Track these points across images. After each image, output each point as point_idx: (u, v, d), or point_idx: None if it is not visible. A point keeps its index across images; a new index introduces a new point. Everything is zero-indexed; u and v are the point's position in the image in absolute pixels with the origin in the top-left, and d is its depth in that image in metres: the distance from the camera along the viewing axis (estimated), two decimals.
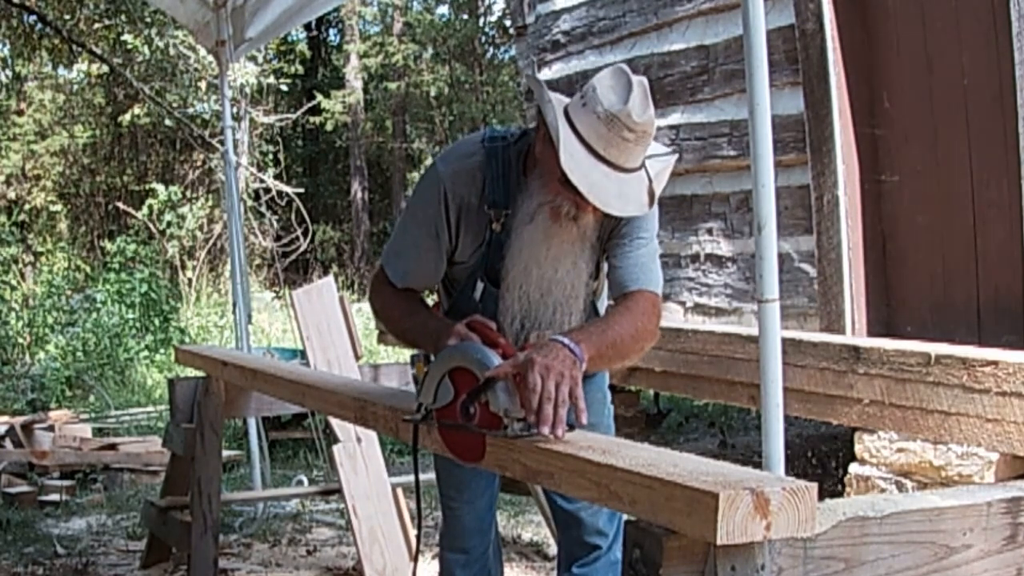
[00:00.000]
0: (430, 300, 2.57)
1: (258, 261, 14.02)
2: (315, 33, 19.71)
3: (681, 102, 5.10)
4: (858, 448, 3.33)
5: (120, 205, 14.19)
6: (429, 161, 17.80)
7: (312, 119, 16.76)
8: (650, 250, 2.32)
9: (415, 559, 2.53)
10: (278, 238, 12.09)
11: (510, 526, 4.77)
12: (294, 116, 13.89)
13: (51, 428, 6.25)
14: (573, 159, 2.03)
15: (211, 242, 13.59)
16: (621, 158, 2.06)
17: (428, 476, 4.95)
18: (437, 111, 18.48)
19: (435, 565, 4.30)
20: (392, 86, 17.91)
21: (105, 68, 12.87)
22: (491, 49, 19.08)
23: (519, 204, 2.22)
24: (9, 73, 13.64)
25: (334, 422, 4.14)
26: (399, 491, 4.28)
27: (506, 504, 4.98)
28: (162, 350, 9.69)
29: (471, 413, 2.00)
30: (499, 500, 4.47)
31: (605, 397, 2.63)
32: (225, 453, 5.42)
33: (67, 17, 10.95)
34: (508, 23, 15.10)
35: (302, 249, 11.51)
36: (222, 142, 5.82)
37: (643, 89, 2.08)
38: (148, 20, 10.89)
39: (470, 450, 2.03)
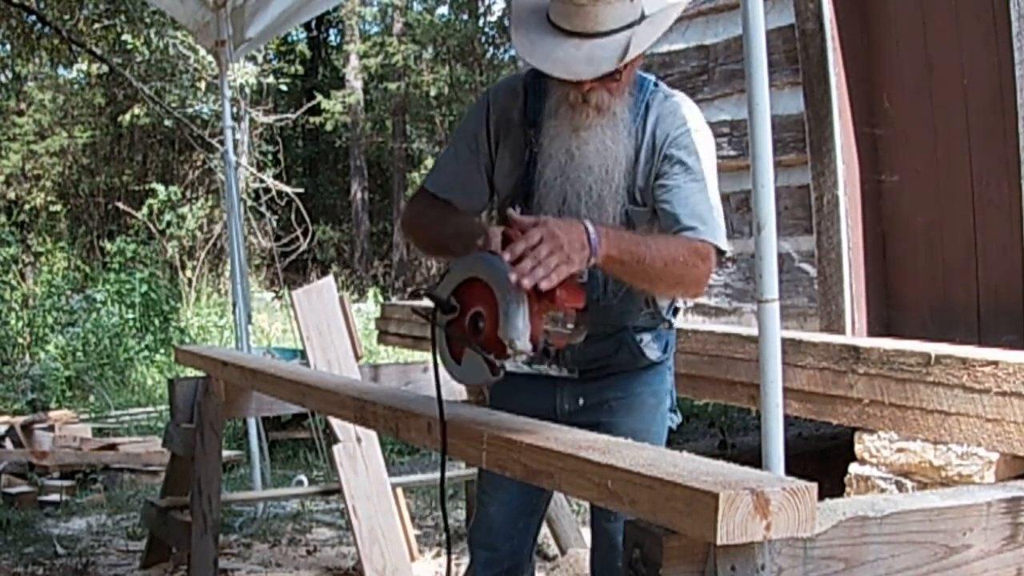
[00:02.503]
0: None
1: (258, 261, 14.04)
2: (315, 33, 19.72)
3: None
4: (858, 448, 3.33)
5: (120, 205, 14.19)
6: (430, 162, 17.84)
7: (312, 119, 16.77)
8: (700, 187, 2.17)
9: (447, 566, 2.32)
10: (278, 238, 12.09)
11: None
12: (294, 116, 13.89)
13: (51, 428, 6.26)
14: (530, 40, 2.08)
15: (211, 242, 13.60)
16: (589, 23, 2.04)
17: (428, 476, 4.94)
18: (437, 111, 18.49)
19: (435, 565, 4.31)
20: (392, 86, 17.92)
21: (105, 68, 12.87)
22: (491, 49, 19.09)
23: (545, 105, 2.22)
24: (9, 73, 13.64)
25: (334, 422, 4.14)
26: (399, 491, 4.28)
27: None
28: (162, 350, 9.70)
29: (480, 328, 1.88)
30: None
31: (659, 403, 2.44)
32: (225, 453, 5.42)
33: (67, 17, 10.95)
34: (508, 23, 15.11)
35: (302, 249, 11.51)
36: (222, 142, 5.82)
37: None
38: (148, 20, 10.89)
39: (472, 369, 1.90)
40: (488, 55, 19.02)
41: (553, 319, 1.93)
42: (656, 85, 2.29)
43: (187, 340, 10.03)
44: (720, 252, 2.13)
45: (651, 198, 2.22)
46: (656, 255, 2.00)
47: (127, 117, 14.12)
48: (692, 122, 2.24)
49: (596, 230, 1.89)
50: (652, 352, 2.39)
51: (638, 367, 2.38)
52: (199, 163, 14.92)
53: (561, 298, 1.87)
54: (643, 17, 2.09)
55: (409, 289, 17.00)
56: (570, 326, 1.97)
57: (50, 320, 10.03)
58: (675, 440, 7.13)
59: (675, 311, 2.50)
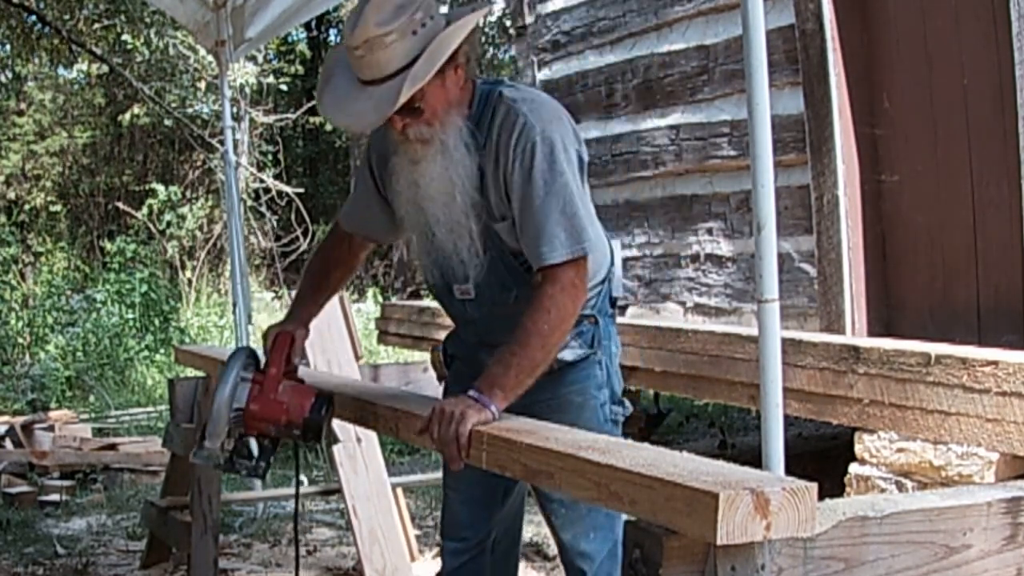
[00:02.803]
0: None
1: (258, 261, 14.03)
2: (315, 33, 19.71)
3: (681, 102, 5.10)
4: (858, 448, 3.33)
5: (120, 205, 14.19)
6: None
7: (312, 119, 16.74)
8: (546, 199, 2.16)
9: None
10: (278, 238, 12.10)
11: None
12: (294, 116, 13.88)
13: (51, 428, 6.25)
14: (332, 97, 2.20)
15: (211, 242, 13.60)
16: (374, 71, 2.10)
17: (429, 476, 4.95)
18: None
19: (435, 565, 4.31)
20: None
21: (105, 68, 12.87)
22: (491, 49, 19.08)
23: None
24: (9, 73, 13.64)
25: (334, 422, 4.13)
26: (399, 491, 4.28)
27: None
28: (162, 350, 9.69)
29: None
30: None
31: (587, 400, 2.46)
32: None
33: (67, 17, 10.95)
34: (508, 23, 15.10)
35: (302, 249, 11.52)
36: (222, 142, 5.82)
37: (372, 4, 2.10)
38: (148, 20, 10.89)
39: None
40: (488, 55, 19.00)
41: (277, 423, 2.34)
42: (501, 94, 2.26)
43: (187, 340, 10.02)
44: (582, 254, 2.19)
45: (510, 212, 2.24)
46: (530, 348, 2.11)
47: (127, 117, 14.11)
48: (537, 126, 2.19)
49: (482, 394, 2.06)
50: (569, 353, 2.38)
51: (557, 368, 2.35)
52: (199, 163, 14.91)
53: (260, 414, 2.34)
54: (401, 69, 2.10)
55: (409, 289, 16.99)
56: (296, 431, 2.36)
57: (50, 320, 10.02)
58: (675, 440, 7.13)
59: (613, 302, 2.52)
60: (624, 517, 2.32)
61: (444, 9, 2.33)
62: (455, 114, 2.21)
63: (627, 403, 2.54)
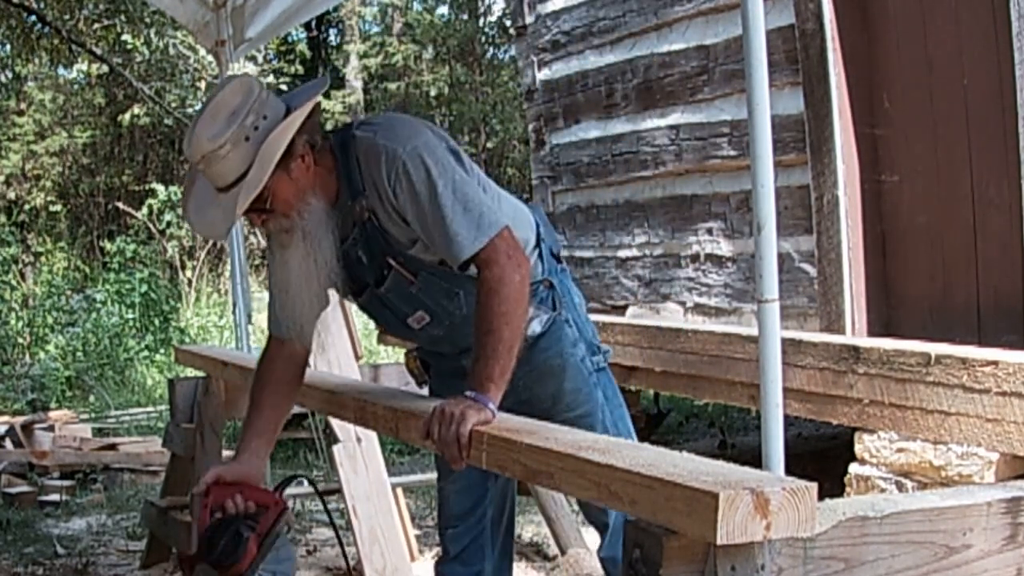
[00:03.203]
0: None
1: (258, 261, 14.02)
2: (315, 33, 19.70)
3: (681, 102, 5.10)
4: (858, 448, 3.33)
5: (120, 205, 14.19)
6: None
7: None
8: (441, 208, 2.17)
9: None
10: None
11: None
12: None
13: (51, 428, 6.26)
14: (194, 206, 2.29)
15: (211, 242, 13.59)
16: (219, 181, 2.18)
17: (428, 476, 4.95)
18: (437, 111, 18.47)
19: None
20: (392, 86, 17.91)
21: (105, 68, 12.87)
22: (491, 49, 19.08)
23: None
24: (9, 73, 13.64)
25: (334, 422, 4.14)
26: (399, 491, 4.28)
27: None
28: (162, 350, 9.69)
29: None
30: None
31: (567, 358, 2.48)
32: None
33: (67, 17, 10.95)
34: (508, 23, 15.09)
35: None
36: None
37: (204, 117, 2.16)
38: (148, 20, 10.89)
39: None
40: (488, 55, 19.00)
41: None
42: (355, 137, 2.28)
43: (187, 340, 10.02)
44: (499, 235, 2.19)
45: (415, 234, 2.27)
46: (499, 333, 2.12)
47: (127, 117, 14.11)
48: (398, 147, 2.20)
49: (478, 392, 2.07)
50: (537, 324, 2.42)
51: (532, 342, 2.41)
52: None
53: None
54: (242, 176, 2.16)
55: None
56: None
57: (50, 320, 10.02)
58: (675, 440, 7.12)
59: (557, 257, 2.54)
60: None
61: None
62: (311, 198, 2.25)
63: (606, 348, 2.59)
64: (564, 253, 5.85)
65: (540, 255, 2.47)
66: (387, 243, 2.30)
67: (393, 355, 8.89)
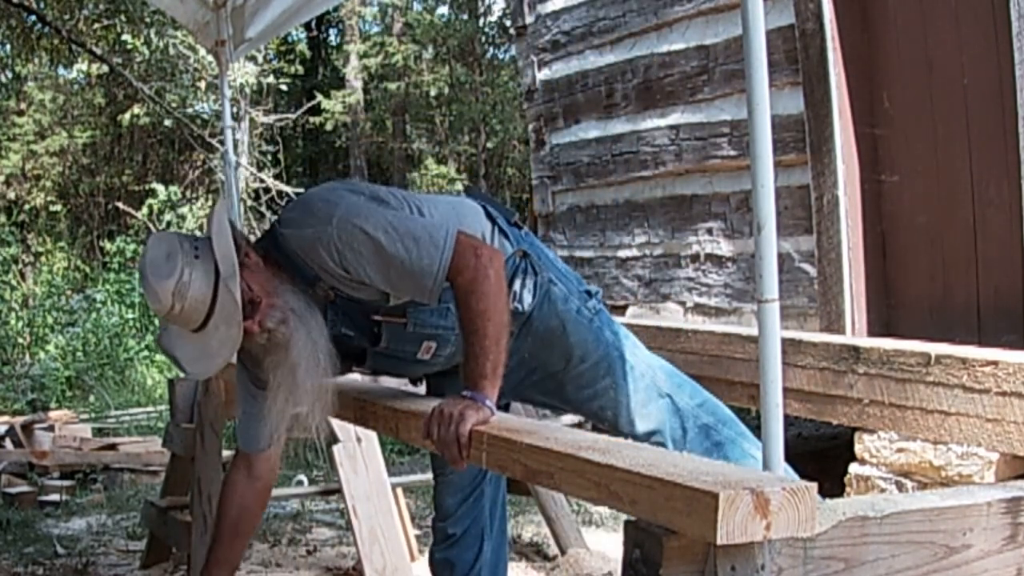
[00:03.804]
0: None
1: None
2: (315, 33, 19.70)
3: (681, 102, 5.10)
4: (858, 448, 3.33)
5: (120, 205, 14.19)
6: (430, 162, 17.84)
7: (312, 119, 16.75)
8: (391, 257, 2.19)
9: None
10: None
11: (510, 526, 4.77)
12: (294, 116, 13.89)
13: (51, 428, 6.26)
14: (171, 345, 2.28)
15: None
16: (190, 325, 2.21)
17: (428, 476, 4.94)
18: (437, 111, 18.47)
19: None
20: (392, 86, 17.90)
21: (105, 68, 12.87)
22: (491, 49, 19.07)
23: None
24: (9, 73, 13.64)
25: (334, 422, 4.13)
26: (399, 491, 4.28)
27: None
28: None
29: None
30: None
31: (564, 314, 2.47)
32: (225, 453, 5.41)
33: (67, 17, 10.94)
34: (508, 23, 15.10)
35: None
36: (222, 142, 5.82)
37: (147, 277, 2.18)
38: (148, 20, 10.88)
39: None
40: (488, 55, 19.00)
41: None
42: (281, 235, 2.29)
43: None
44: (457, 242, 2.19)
45: (381, 288, 2.27)
46: (484, 329, 2.12)
47: (127, 117, 14.11)
48: (322, 227, 2.21)
49: (475, 391, 2.08)
50: (527, 296, 2.42)
51: (527, 316, 2.43)
52: (199, 163, 14.91)
53: None
54: (215, 287, 2.17)
55: None
56: None
57: (50, 320, 10.03)
58: None
59: (513, 223, 2.53)
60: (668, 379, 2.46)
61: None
62: (280, 284, 2.27)
63: (595, 289, 2.59)
64: (564, 253, 5.88)
65: (501, 232, 2.47)
66: (363, 307, 2.32)
67: None
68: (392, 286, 2.25)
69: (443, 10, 19.19)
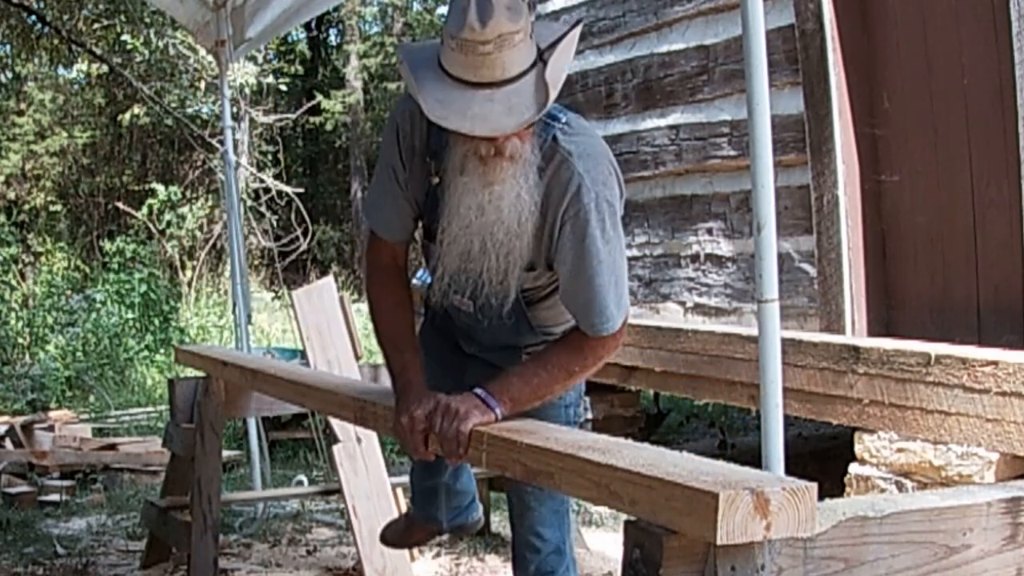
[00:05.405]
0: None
1: (257, 261, 14.03)
2: (315, 33, 19.71)
3: (681, 102, 5.10)
4: (858, 448, 3.33)
5: (120, 205, 14.18)
6: None
7: (312, 119, 16.76)
8: (602, 275, 2.07)
9: None
10: (278, 238, 12.07)
11: (508, 525, 4.76)
12: (294, 116, 13.88)
13: (51, 428, 6.25)
14: (437, 100, 1.92)
15: (211, 242, 13.60)
16: (496, 72, 1.90)
17: None
18: None
19: (435, 565, 4.31)
20: (392, 86, 17.91)
21: (105, 68, 12.87)
22: None
23: (449, 155, 2.09)
24: (9, 73, 13.64)
25: (334, 422, 4.14)
26: (399, 491, 4.28)
27: (504, 503, 4.98)
28: (162, 350, 9.69)
29: None
30: (496, 499, 4.48)
31: (565, 409, 2.46)
32: (225, 453, 5.42)
33: (67, 17, 10.94)
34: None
35: (302, 249, 11.50)
36: (222, 142, 5.81)
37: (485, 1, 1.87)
38: (148, 20, 10.88)
39: None
40: None
41: None
42: (556, 140, 2.10)
43: (187, 340, 10.02)
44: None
45: (544, 265, 2.16)
46: (552, 378, 2.11)
47: (127, 117, 14.11)
48: (592, 190, 2.07)
49: (491, 396, 2.04)
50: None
51: None
52: (199, 163, 14.91)
53: None
54: (541, 52, 1.96)
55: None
56: None
57: (50, 320, 10.02)
58: (675, 440, 7.09)
59: None
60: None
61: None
62: (533, 136, 2.06)
63: (587, 403, 2.59)
64: None
65: None
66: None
67: None
68: (568, 284, 2.11)
69: (443, 10, 19.18)
